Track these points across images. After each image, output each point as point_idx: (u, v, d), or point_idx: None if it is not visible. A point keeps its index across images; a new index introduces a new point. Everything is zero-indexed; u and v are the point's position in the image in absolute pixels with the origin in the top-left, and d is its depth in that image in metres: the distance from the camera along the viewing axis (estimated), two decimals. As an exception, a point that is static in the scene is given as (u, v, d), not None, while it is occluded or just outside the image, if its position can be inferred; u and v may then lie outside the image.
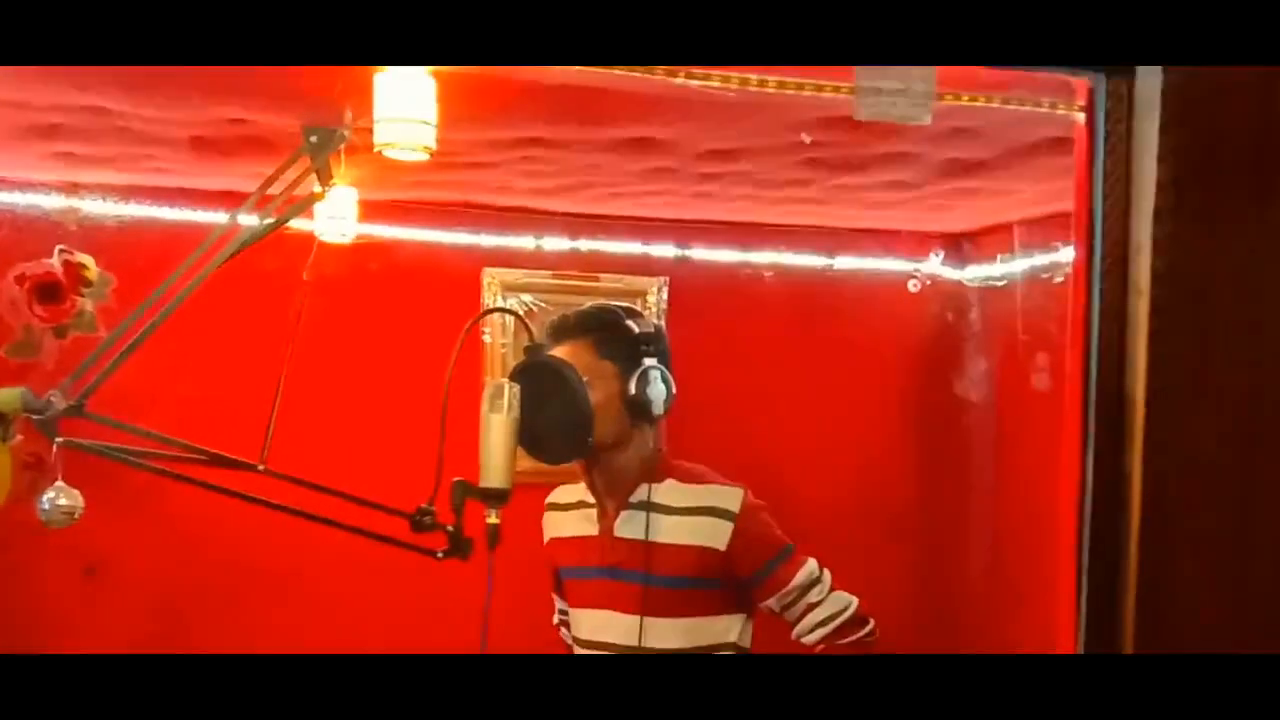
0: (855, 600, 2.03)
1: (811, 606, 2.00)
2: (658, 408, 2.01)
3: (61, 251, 1.39)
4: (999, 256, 3.42)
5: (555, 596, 2.29)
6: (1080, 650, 1.45)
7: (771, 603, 2.01)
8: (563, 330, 2.04)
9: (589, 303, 2.11)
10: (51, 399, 1.32)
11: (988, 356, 3.51)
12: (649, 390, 1.99)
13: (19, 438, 1.31)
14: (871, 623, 2.04)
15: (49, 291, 1.37)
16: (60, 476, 1.35)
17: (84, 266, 1.40)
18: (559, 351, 2.00)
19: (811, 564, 2.02)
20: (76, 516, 1.44)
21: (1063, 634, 1.50)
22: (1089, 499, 1.46)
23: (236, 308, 2.99)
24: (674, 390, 2.03)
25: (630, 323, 2.03)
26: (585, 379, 1.94)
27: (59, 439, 1.35)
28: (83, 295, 1.39)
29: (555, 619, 2.32)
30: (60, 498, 1.41)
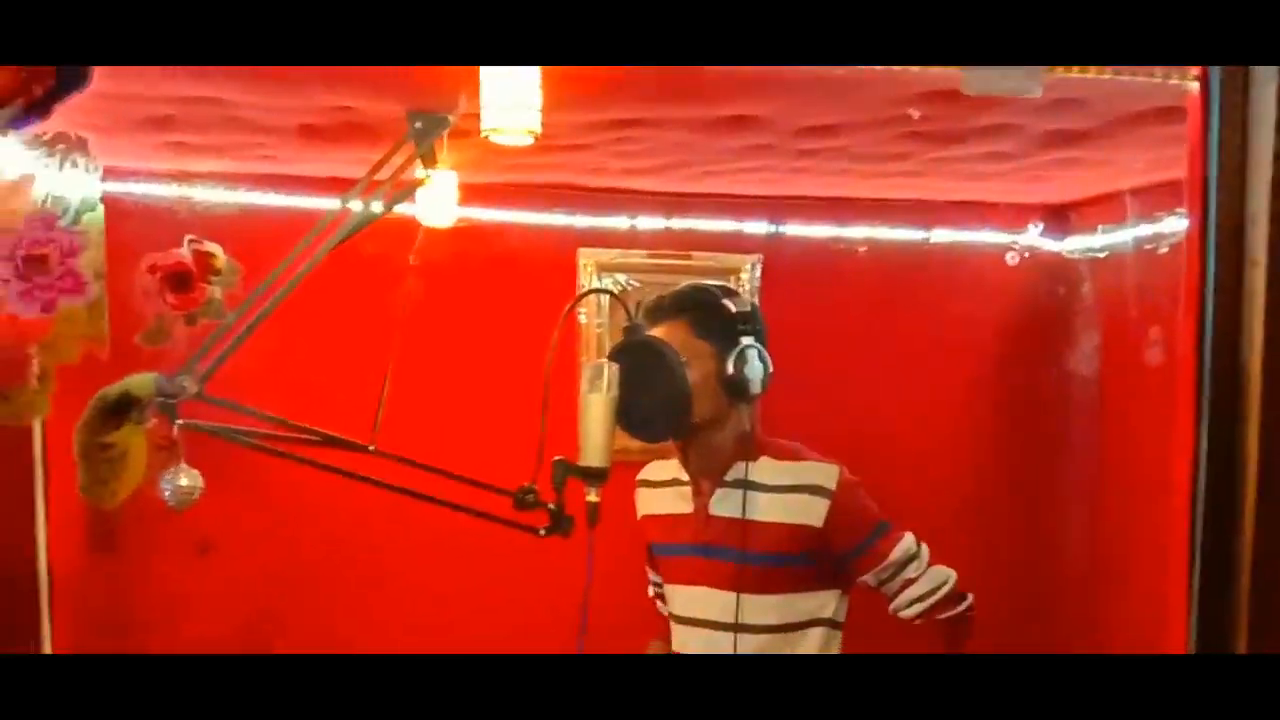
0: (953, 574, 2.02)
1: (909, 582, 2.00)
2: (755, 387, 2.00)
3: (191, 241, 1.43)
4: (1100, 227, 3.33)
5: (649, 569, 2.31)
6: (1192, 638, 1.40)
7: (869, 578, 2.02)
8: (659, 311, 2.04)
9: (684, 283, 2.11)
10: (183, 383, 1.36)
11: (1090, 330, 3.42)
12: (746, 369, 1.98)
13: (153, 421, 1.35)
14: (970, 598, 2.02)
15: (180, 280, 1.40)
16: (183, 457, 1.40)
17: (213, 255, 1.43)
18: (656, 332, 2.00)
19: (909, 539, 2.02)
20: (196, 497, 1.48)
21: (1172, 622, 1.46)
22: (1202, 480, 1.41)
23: (342, 292, 3.04)
24: (770, 369, 2.02)
25: (727, 302, 2.02)
26: (683, 359, 1.94)
27: (179, 421, 1.39)
28: (211, 283, 1.43)
29: (650, 590, 2.34)
30: (181, 478, 1.45)
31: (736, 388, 1.99)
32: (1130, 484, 3.17)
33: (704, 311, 2.02)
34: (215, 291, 1.42)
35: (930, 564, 2.03)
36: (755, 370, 2.00)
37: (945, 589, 2.00)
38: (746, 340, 2.00)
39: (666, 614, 2.23)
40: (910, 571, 2.01)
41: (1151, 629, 1.61)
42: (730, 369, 1.98)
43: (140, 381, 1.34)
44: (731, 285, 2.20)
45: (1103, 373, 3.37)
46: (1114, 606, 3.19)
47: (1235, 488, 1.39)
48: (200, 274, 1.41)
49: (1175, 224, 2.88)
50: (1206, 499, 1.41)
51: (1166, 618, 1.47)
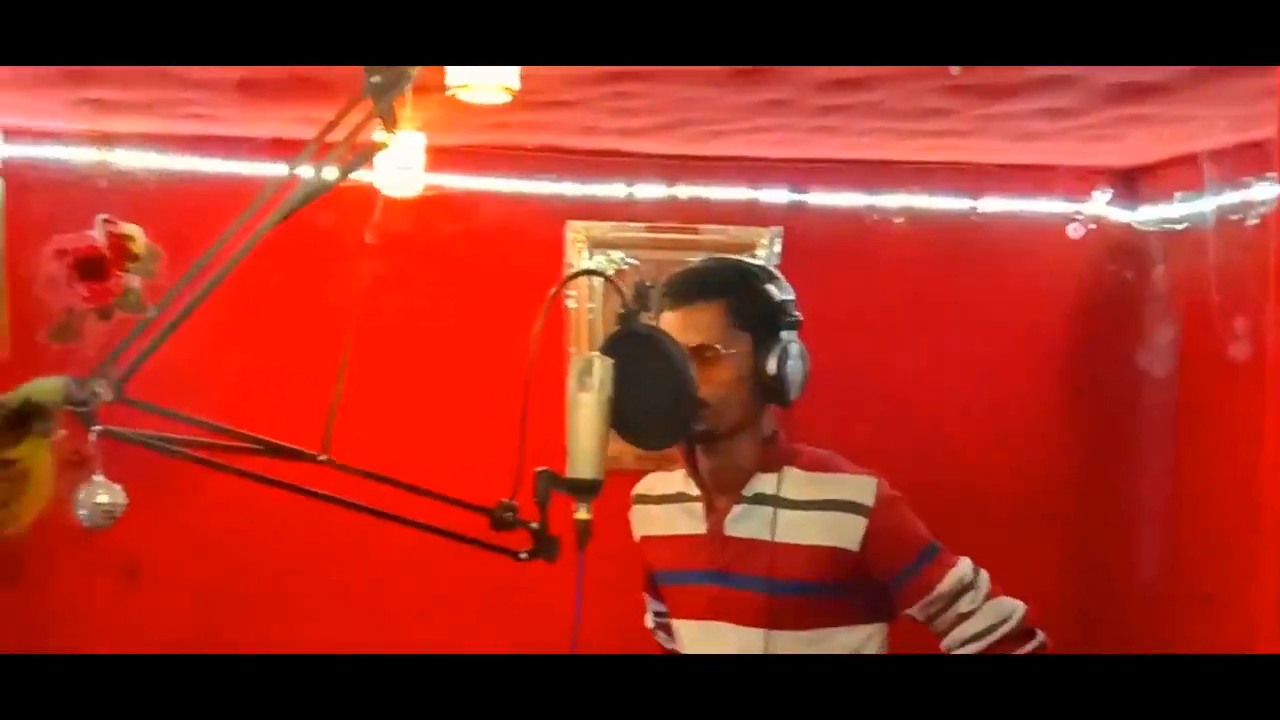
0: (1020, 608, 1.98)
1: (963, 617, 1.97)
2: (794, 391, 1.99)
3: (105, 222, 1.42)
4: (1177, 195, 3.32)
5: (648, 597, 2.29)
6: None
7: (915, 611, 1.99)
8: (690, 289, 2.01)
9: (708, 258, 2.10)
10: (96, 388, 1.35)
11: (1165, 312, 3.41)
12: (787, 369, 1.97)
13: (62, 433, 1.35)
14: (1041, 636, 1.98)
15: (91, 268, 1.39)
16: (100, 470, 1.39)
17: (130, 238, 1.42)
18: (684, 314, 1.98)
19: (964, 566, 1.99)
20: (118, 515, 1.47)
21: (1261, 641, 1.46)
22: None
23: (290, 274, 3.05)
24: (809, 369, 2.01)
25: (770, 286, 2.01)
26: (720, 349, 1.93)
27: (96, 428, 1.39)
28: (128, 271, 1.42)
29: (650, 621, 2.32)
30: (99, 494, 1.44)
31: (775, 390, 1.98)
32: (1209, 494, 3.17)
33: (745, 295, 2.00)
34: (133, 280, 1.41)
35: (990, 595, 1.98)
36: (797, 371, 1.99)
37: (1008, 625, 1.96)
38: (788, 335, 1.99)
39: (669, 648, 2.23)
40: (964, 605, 1.97)
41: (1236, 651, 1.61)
42: (771, 367, 1.96)
43: (46, 387, 1.32)
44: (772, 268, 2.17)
45: (1180, 368, 3.37)
46: (1192, 626, 3.19)
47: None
48: (116, 260, 1.40)
49: (1264, 191, 2.87)
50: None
51: (1252, 639, 1.48)
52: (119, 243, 1.41)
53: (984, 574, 2.00)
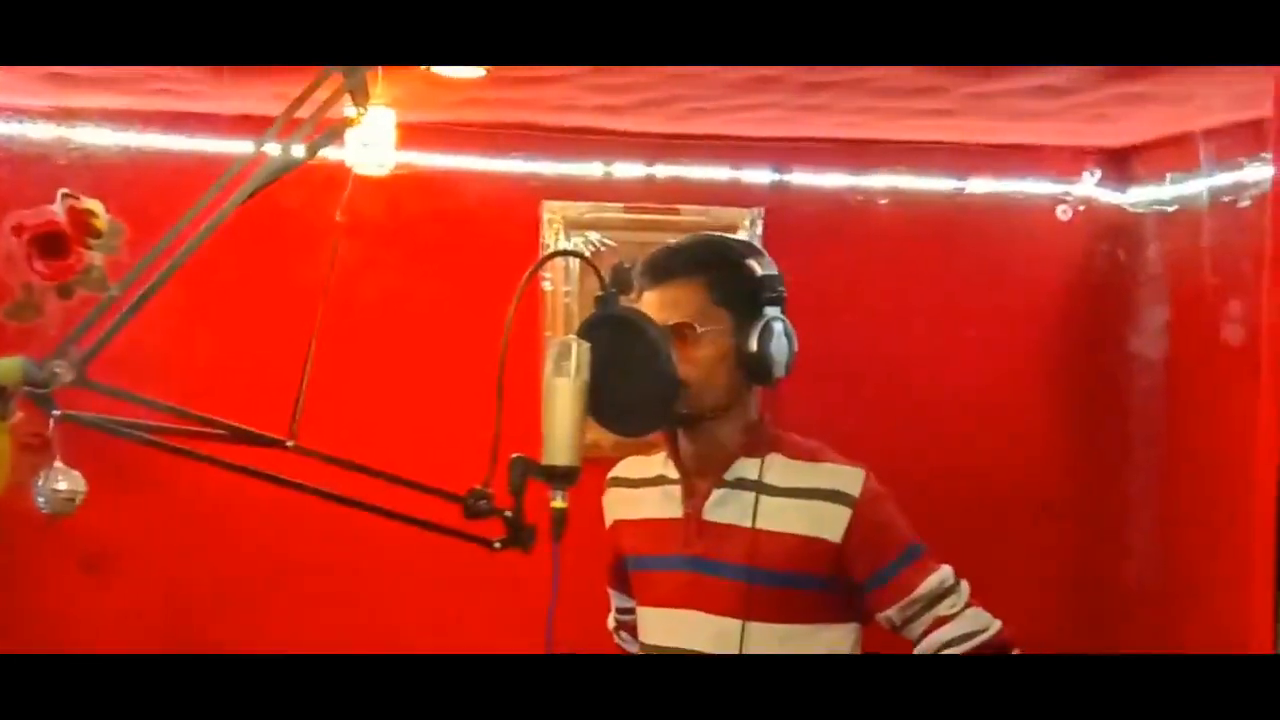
0: (998, 624, 1.95)
1: (941, 621, 1.93)
2: (780, 369, 1.98)
3: (65, 196, 1.40)
4: (1169, 175, 3.33)
5: (612, 593, 2.27)
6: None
7: (891, 613, 1.96)
8: (668, 267, 2.00)
9: (691, 235, 2.10)
10: (56, 369, 1.33)
11: (1155, 297, 3.43)
12: (771, 347, 1.96)
13: (20, 415, 1.33)
14: (1017, 652, 1.98)
15: (51, 244, 1.38)
16: (59, 456, 1.38)
17: (92, 214, 1.40)
18: (661, 292, 1.97)
19: (945, 571, 1.96)
20: (78, 502, 1.46)
21: (1256, 635, 1.47)
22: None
23: (257, 255, 3.03)
24: (796, 347, 2.01)
25: (751, 261, 2.00)
26: (699, 329, 1.92)
27: (56, 412, 1.37)
28: (90, 248, 1.40)
29: (611, 622, 2.30)
30: (59, 481, 1.43)
31: (758, 369, 1.97)
32: (1202, 481, 3.18)
33: (725, 271, 1.98)
34: (95, 258, 1.40)
35: (970, 604, 1.95)
36: (781, 348, 1.98)
37: (985, 636, 1.92)
38: (772, 311, 1.98)
39: (631, 650, 2.21)
40: (944, 608, 1.93)
41: (1232, 644, 1.62)
42: (753, 345, 1.95)
43: (4, 367, 1.31)
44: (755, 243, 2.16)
45: (1171, 352, 3.38)
46: (1187, 618, 3.21)
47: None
48: (76, 236, 1.39)
49: (1259, 171, 2.88)
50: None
51: (1248, 631, 1.48)
52: (80, 218, 1.40)
53: (964, 583, 1.97)
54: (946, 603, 1.94)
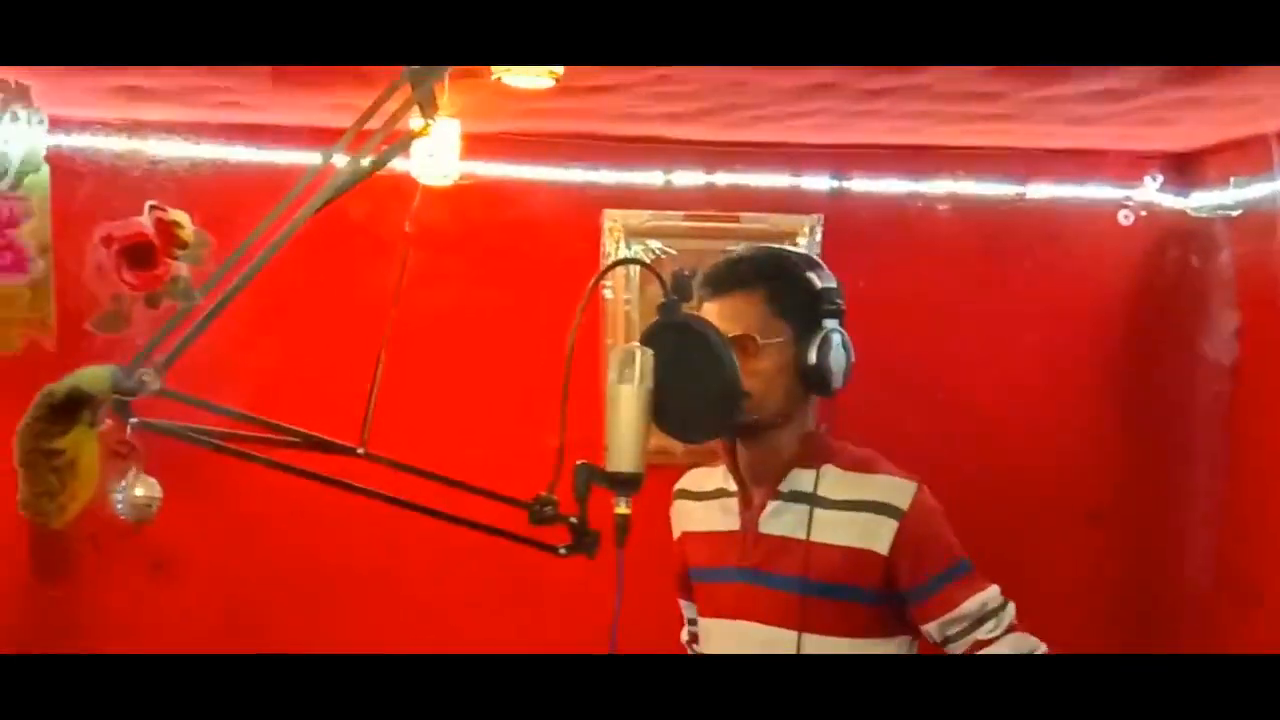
0: (1042, 647, 1.95)
1: (981, 644, 1.93)
2: (838, 380, 1.99)
3: (153, 208, 1.42)
4: (1233, 179, 3.29)
5: (683, 604, 2.28)
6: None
7: (931, 628, 1.96)
8: (728, 279, 2.02)
9: (748, 246, 2.10)
10: (144, 378, 1.35)
11: (1220, 304, 3.38)
12: (830, 359, 1.97)
13: (108, 423, 1.35)
14: None
15: (139, 255, 1.40)
16: (143, 463, 1.40)
17: (178, 225, 1.43)
18: (722, 304, 1.99)
19: (990, 592, 1.96)
20: (155, 509, 1.49)
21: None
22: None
23: (326, 265, 3.07)
24: (853, 359, 2.01)
25: (811, 274, 2.01)
26: (760, 341, 1.93)
27: (133, 420, 1.39)
28: (176, 258, 1.43)
29: (685, 635, 2.31)
30: (137, 488, 1.46)
31: (817, 380, 1.98)
32: (1267, 495, 3.14)
33: (785, 284, 2.00)
34: (181, 268, 1.43)
35: (1014, 628, 1.94)
36: (840, 360, 1.99)
37: None
38: (831, 323, 1.99)
39: None
40: (984, 632, 1.93)
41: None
42: (812, 357, 1.96)
43: (94, 376, 1.33)
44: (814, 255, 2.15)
45: (1239, 363, 3.33)
46: (1242, 634, 3.17)
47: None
48: (164, 247, 1.41)
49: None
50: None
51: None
52: (167, 229, 1.43)
53: (1010, 605, 1.97)
54: (987, 626, 1.94)
